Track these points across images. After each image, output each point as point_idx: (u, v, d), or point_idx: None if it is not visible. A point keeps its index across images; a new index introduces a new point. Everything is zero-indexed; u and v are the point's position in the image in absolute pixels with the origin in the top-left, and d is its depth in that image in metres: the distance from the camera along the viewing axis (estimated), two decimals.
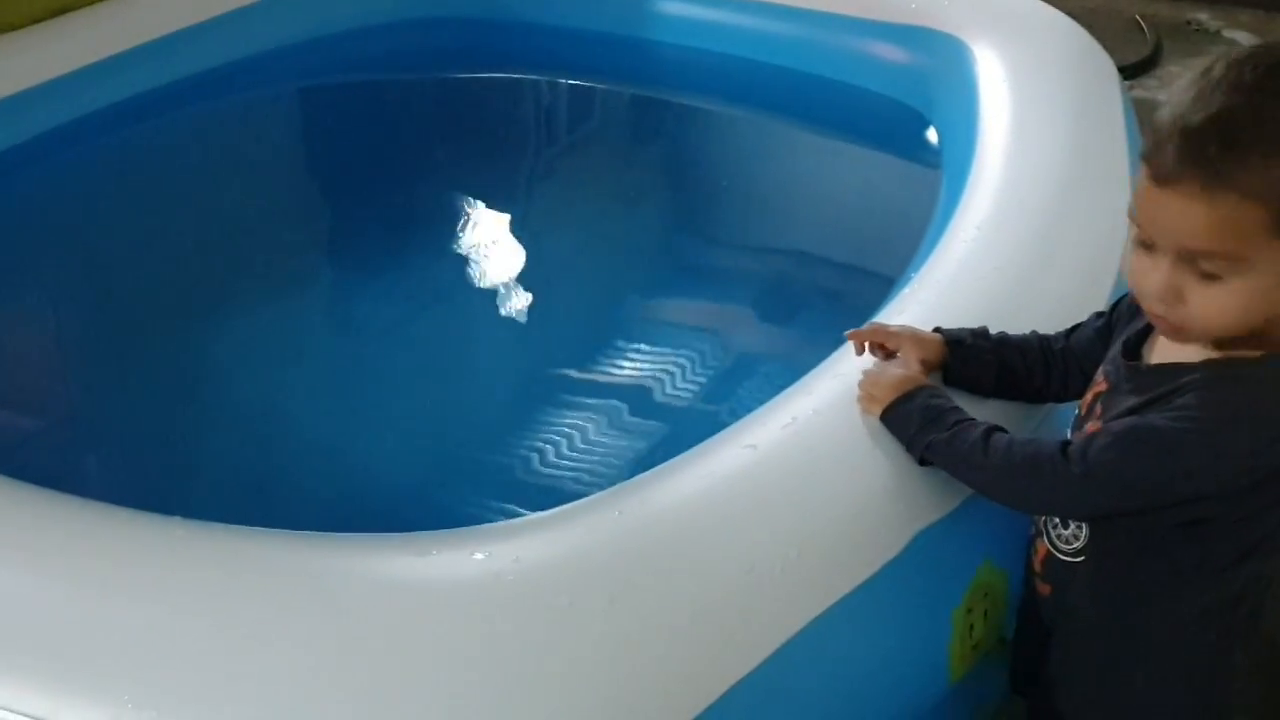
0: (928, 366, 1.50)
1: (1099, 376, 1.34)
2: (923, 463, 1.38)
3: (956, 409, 1.38)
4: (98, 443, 2.21)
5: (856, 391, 1.49)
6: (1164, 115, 1.13)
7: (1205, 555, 1.26)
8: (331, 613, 1.20)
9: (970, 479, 1.35)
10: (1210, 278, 1.12)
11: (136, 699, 1.10)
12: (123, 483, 2.04)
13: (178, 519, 1.31)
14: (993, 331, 1.55)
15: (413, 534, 1.39)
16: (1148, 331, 1.29)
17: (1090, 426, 1.29)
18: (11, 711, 1.11)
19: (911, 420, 1.38)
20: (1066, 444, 1.26)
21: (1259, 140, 1.07)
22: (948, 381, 1.50)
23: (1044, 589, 1.40)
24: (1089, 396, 1.34)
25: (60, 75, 2.90)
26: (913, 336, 1.53)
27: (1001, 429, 1.34)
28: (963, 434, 1.33)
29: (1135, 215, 1.17)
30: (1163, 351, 1.25)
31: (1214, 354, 1.19)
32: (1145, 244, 1.16)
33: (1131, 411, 1.22)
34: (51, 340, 2.58)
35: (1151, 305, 1.18)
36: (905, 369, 1.48)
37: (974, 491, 1.39)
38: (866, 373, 1.49)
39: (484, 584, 1.22)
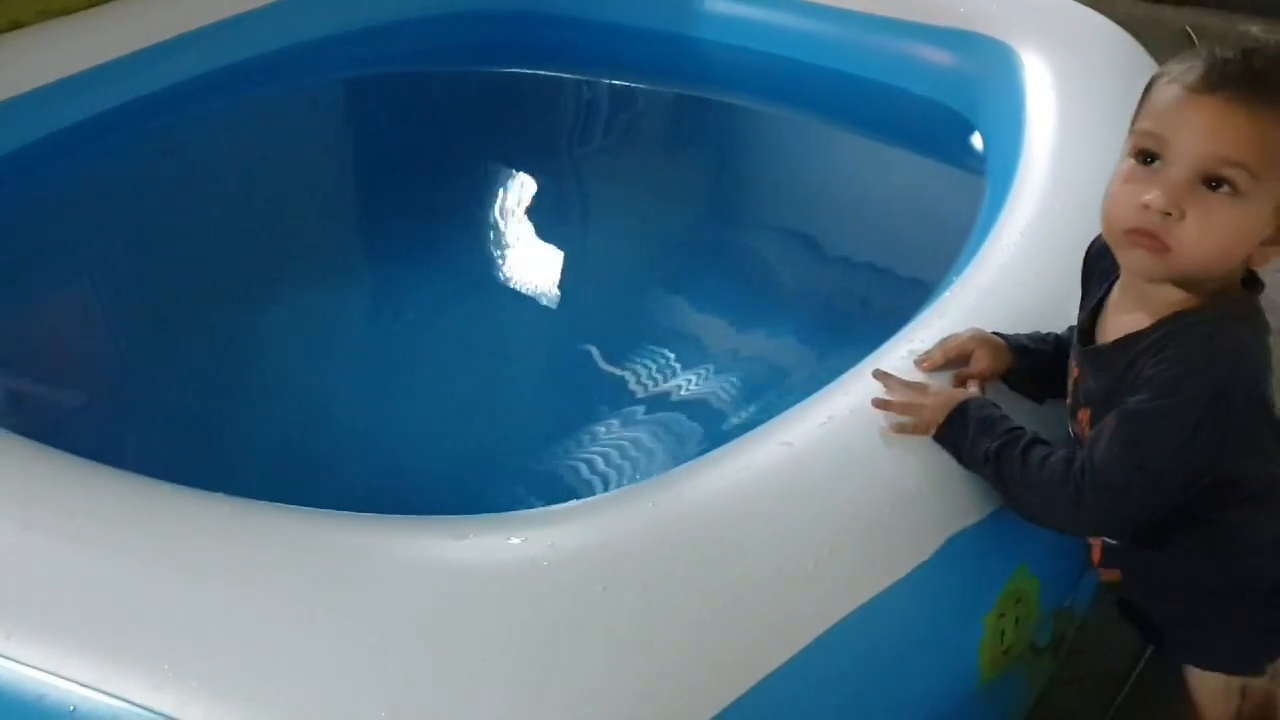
0: (995, 374, 1.50)
1: (1071, 363, 1.38)
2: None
3: (1006, 417, 1.37)
4: (141, 422, 2.24)
5: (881, 419, 1.44)
6: (1186, 60, 1.21)
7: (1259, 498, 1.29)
8: (369, 592, 1.22)
9: (1005, 497, 1.36)
10: (1222, 191, 1.16)
11: (179, 669, 1.12)
12: (165, 460, 2.06)
13: (221, 495, 1.33)
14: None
15: (449, 517, 1.41)
16: (1098, 310, 1.34)
17: (1082, 414, 1.34)
18: (61, 677, 1.13)
19: (966, 433, 1.37)
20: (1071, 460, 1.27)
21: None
22: (1011, 388, 1.51)
23: (1110, 576, 1.43)
24: (1070, 384, 1.39)
25: (112, 59, 2.94)
26: (984, 340, 1.53)
27: (1043, 441, 1.33)
28: (1010, 446, 1.32)
29: (1150, 128, 1.21)
30: (1114, 327, 1.30)
31: (1162, 314, 1.23)
32: (1149, 158, 1.21)
33: (1103, 393, 1.27)
34: (99, 324, 2.62)
35: (1144, 221, 1.20)
36: (953, 382, 1.47)
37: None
38: (904, 399, 1.44)
39: (520, 568, 1.23)
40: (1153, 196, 1.18)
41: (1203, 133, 1.16)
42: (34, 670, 1.15)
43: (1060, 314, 1.67)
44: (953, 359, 1.54)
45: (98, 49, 2.95)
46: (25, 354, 2.41)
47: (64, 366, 2.41)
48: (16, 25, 3.02)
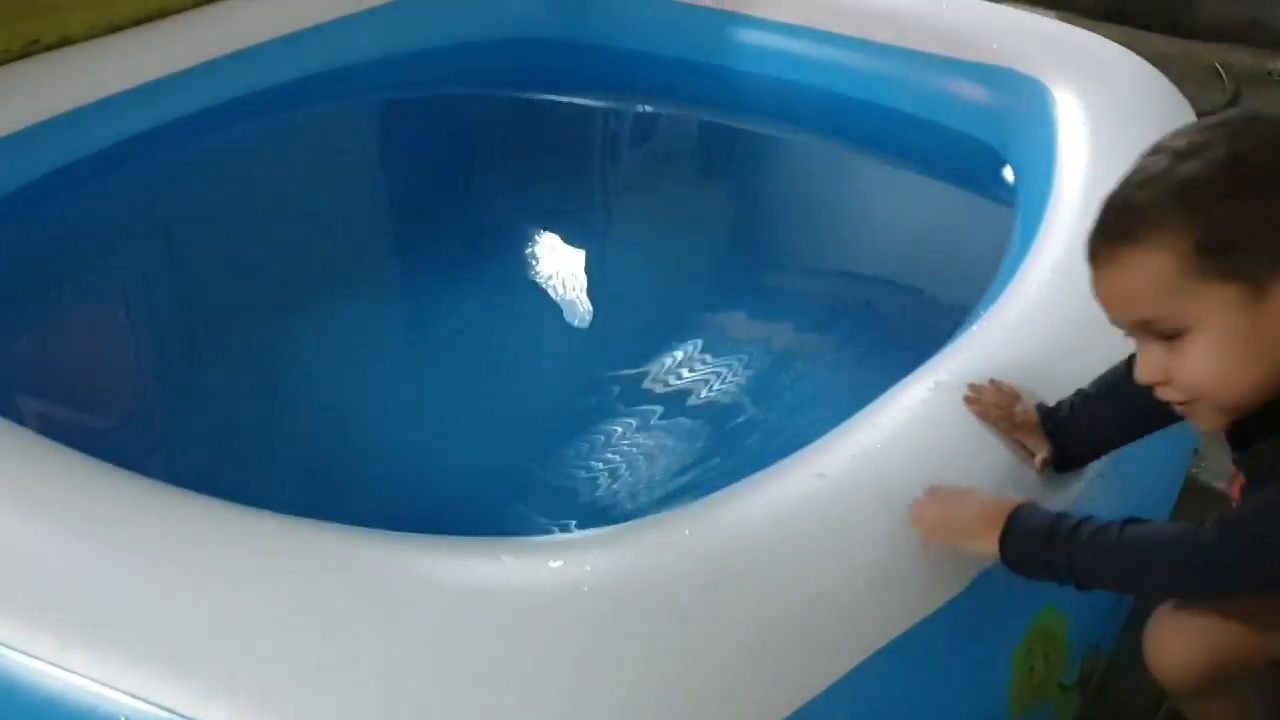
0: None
1: (1232, 468, 1.34)
2: (1080, 586, 1.27)
3: (1053, 514, 1.31)
4: (177, 434, 2.27)
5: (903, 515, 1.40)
6: None
7: None
8: (411, 613, 1.24)
9: (1131, 581, 1.30)
10: (1174, 342, 1.14)
11: (230, 683, 1.15)
12: (198, 471, 2.09)
13: (268, 512, 1.35)
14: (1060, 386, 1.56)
15: (486, 538, 1.44)
16: None
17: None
18: (113, 688, 1.16)
19: (1035, 548, 1.28)
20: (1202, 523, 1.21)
21: (1154, 199, 1.14)
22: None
23: None
24: (1235, 491, 1.37)
25: (156, 79, 2.99)
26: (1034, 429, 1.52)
27: (1135, 519, 1.26)
28: (1098, 537, 1.24)
29: None
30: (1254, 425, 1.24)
31: None
32: (1129, 335, 1.21)
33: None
34: (135, 336, 2.66)
35: (1159, 394, 1.20)
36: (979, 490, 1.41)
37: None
38: (932, 504, 1.39)
39: (558, 592, 1.26)
40: (1137, 375, 1.20)
41: (1115, 308, 1.19)
42: (86, 681, 1.18)
43: (1087, 352, 1.68)
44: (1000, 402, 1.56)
45: (142, 68, 3.00)
46: (68, 366, 2.46)
47: (106, 378, 2.45)
48: (67, 40, 3.09)
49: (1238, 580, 1.20)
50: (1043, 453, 1.49)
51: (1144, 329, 1.18)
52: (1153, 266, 1.13)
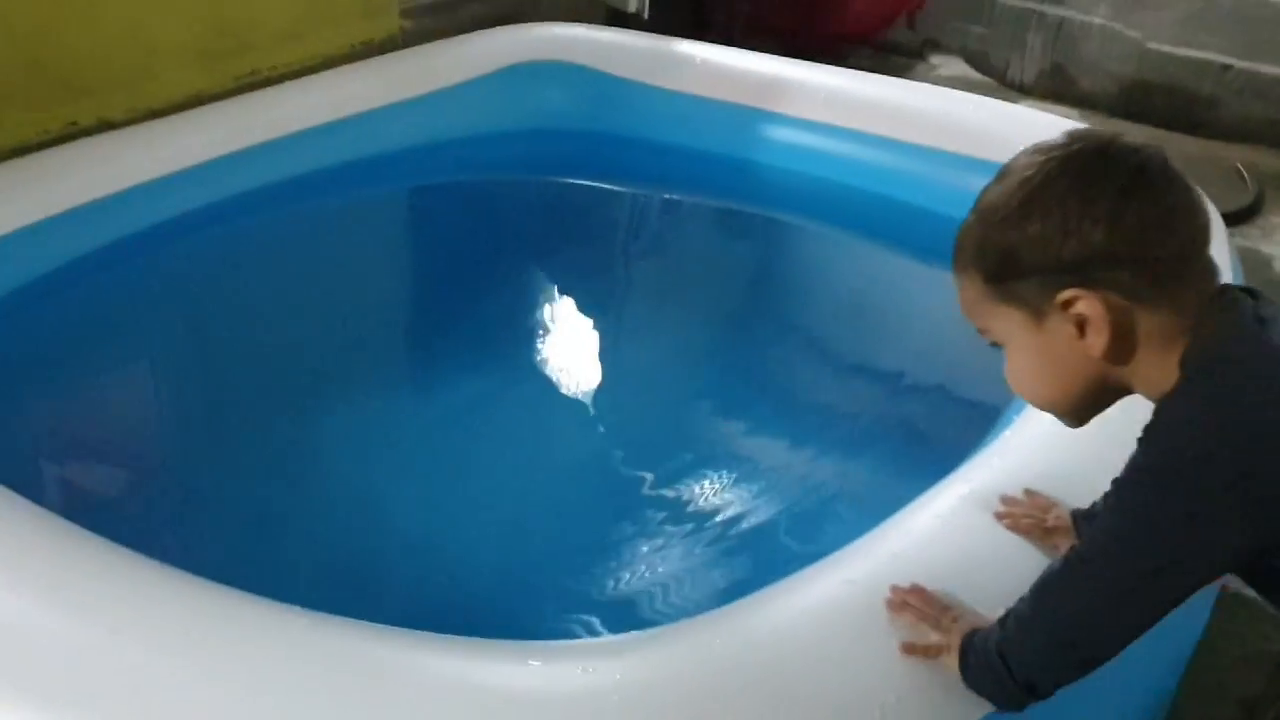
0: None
1: None
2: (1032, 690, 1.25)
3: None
4: (200, 522, 2.26)
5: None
6: None
7: None
8: (435, 713, 1.23)
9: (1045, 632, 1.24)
10: (1002, 349, 1.24)
11: None
12: (219, 560, 2.09)
13: (298, 608, 1.35)
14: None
15: (512, 641, 1.43)
16: None
17: None
18: None
19: (982, 663, 1.29)
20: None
21: (966, 227, 1.21)
22: None
23: None
24: None
25: (192, 165, 3.04)
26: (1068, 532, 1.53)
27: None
28: (1012, 614, 1.26)
29: None
30: None
31: None
32: None
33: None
34: (164, 422, 2.67)
35: None
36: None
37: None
38: (914, 606, 1.41)
39: (588, 699, 1.25)
40: None
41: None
42: None
43: (1119, 457, 1.68)
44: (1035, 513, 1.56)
45: (179, 153, 3.05)
46: (98, 455, 2.46)
47: (134, 467, 2.45)
48: (106, 124, 3.15)
49: (1120, 585, 1.17)
50: None
51: (985, 338, 1.26)
52: (966, 289, 1.23)
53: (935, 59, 5.47)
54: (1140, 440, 1.16)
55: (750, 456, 2.44)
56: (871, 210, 3.30)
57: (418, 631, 1.37)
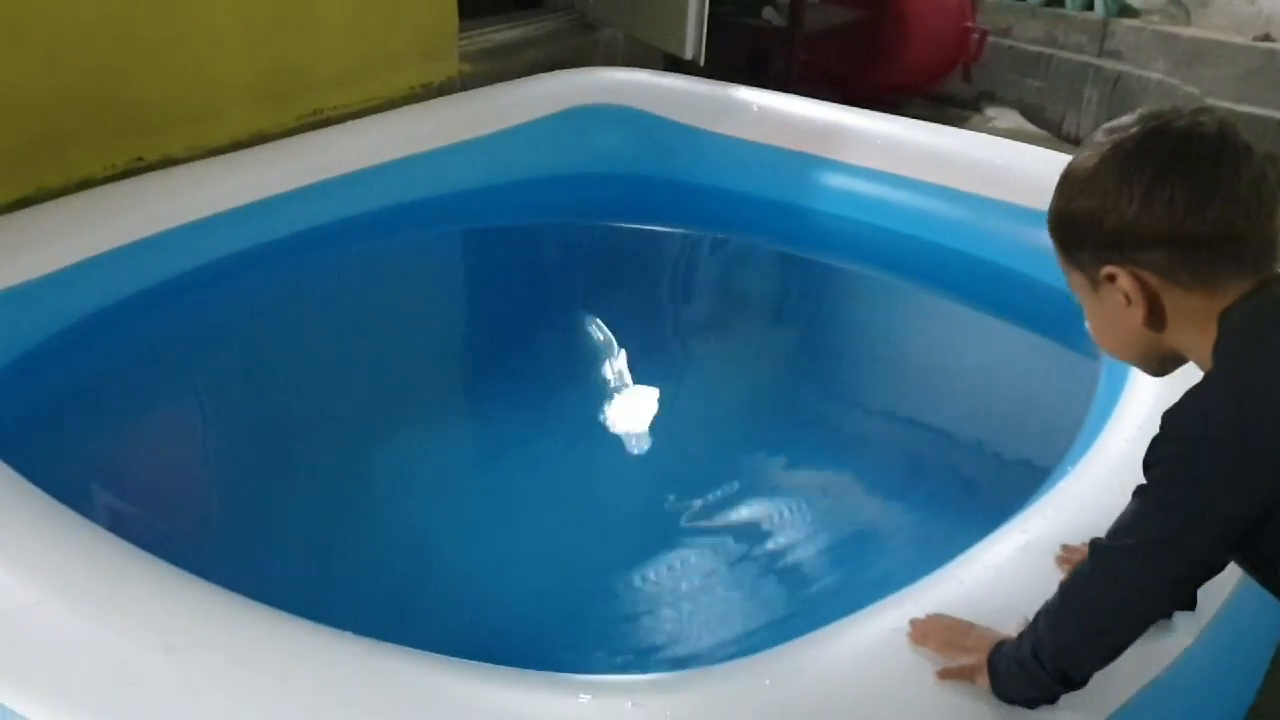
0: None
1: None
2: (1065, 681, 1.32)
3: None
4: (253, 548, 2.28)
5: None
6: None
7: None
8: None
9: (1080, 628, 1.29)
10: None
11: None
12: (270, 586, 2.10)
13: (350, 635, 1.36)
14: None
15: (564, 675, 1.43)
16: None
17: None
18: None
19: (1014, 669, 1.34)
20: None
21: (1054, 191, 1.26)
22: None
23: None
24: None
25: (251, 201, 3.08)
26: None
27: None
28: (1043, 617, 1.31)
29: None
30: None
31: None
32: None
33: None
34: (220, 450, 2.70)
35: None
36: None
37: (1128, 698, 1.40)
38: (936, 629, 1.46)
39: None
40: None
41: None
42: None
43: None
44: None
45: (238, 190, 3.09)
46: (157, 478, 2.49)
47: (190, 495, 2.48)
48: (169, 160, 3.22)
49: (1148, 576, 1.22)
50: None
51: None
52: (1070, 275, 1.29)
53: (990, 111, 5.47)
54: (1160, 423, 1.21)
55: (797, 500, 2.43)
56: (926, 258, 3.29)
57: (469, 661, 1.37)
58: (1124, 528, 1.23)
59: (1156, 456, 1.20)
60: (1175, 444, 1.18)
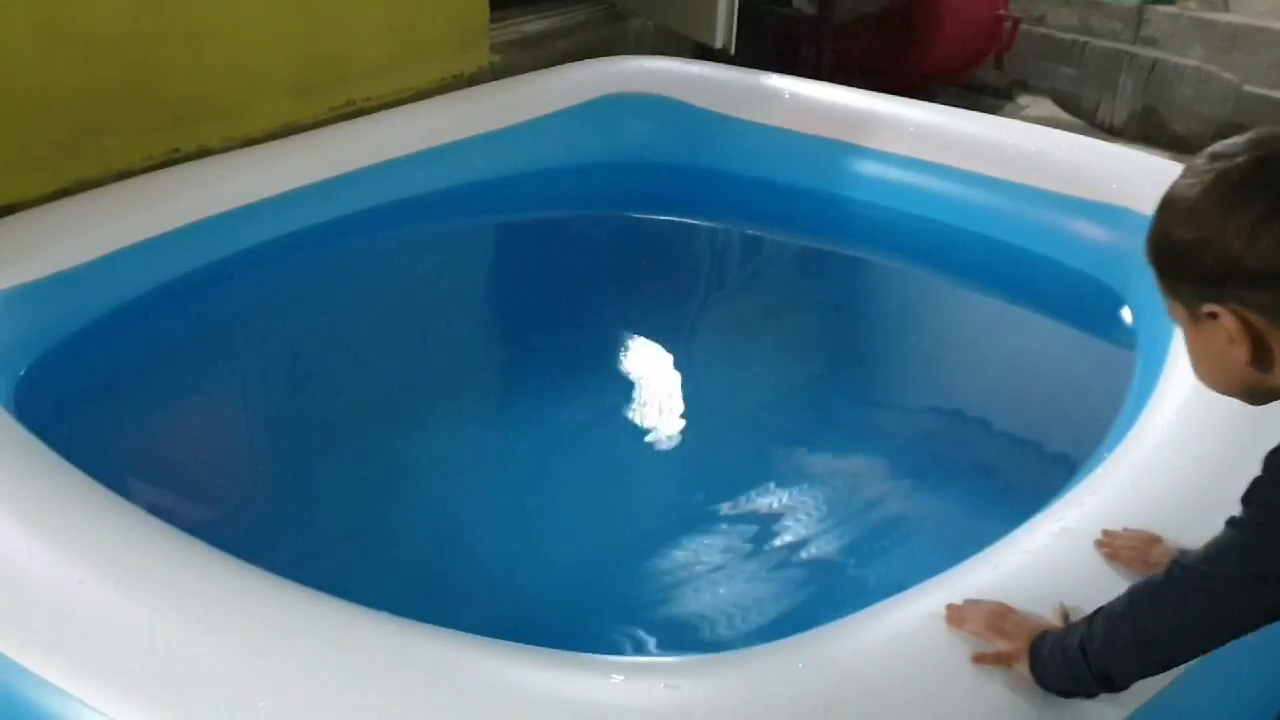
0: None
1: None
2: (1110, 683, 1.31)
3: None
4: (291, 530, 2.31)
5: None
6: None
7: None
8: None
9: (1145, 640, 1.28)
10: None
11: None
12: (305, 565, 2.12)
13: (387, 615, 1.37)
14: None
15: (598, 656, 1.44)
16: None
17: None
18: None
19: (1058, 657, 1.33)
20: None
21: (1155, 216, 1.21)
22: None
23: None
24: None
25: (285, 191, 3.10)
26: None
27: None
28: (1103, 615, 1.29)
29: None
30: None
31: None
32: None
33: None
34: (258, 435, 2.73)
35: None
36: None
37: (1164, 686, 1.38)
38: (974, 614, 1.46)
39: (672, 716, 1.25)
40: None
41: None
42: None
43: (1215, 497, 1.64)
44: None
45: (273, 180, 3.12)
46: (195, 465, 2.52)
47: (229, 478, 2.51)
48: (205, 151, 3.25)
49: (1218, 608, 1.22)
50: None
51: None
52: (1171, 303, 1.24)
53: (1023, 99, 5.43)
54: (1265, 461, 1.18)
55: (830, 487, 2.42)
56: (960, 247, 3.27)
57: (504, 641, 1.38)
58: (1208, 555, 1.21)
59: (1255, 496, 1.18)
60: (1275, 488, 1.17)
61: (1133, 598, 1.27)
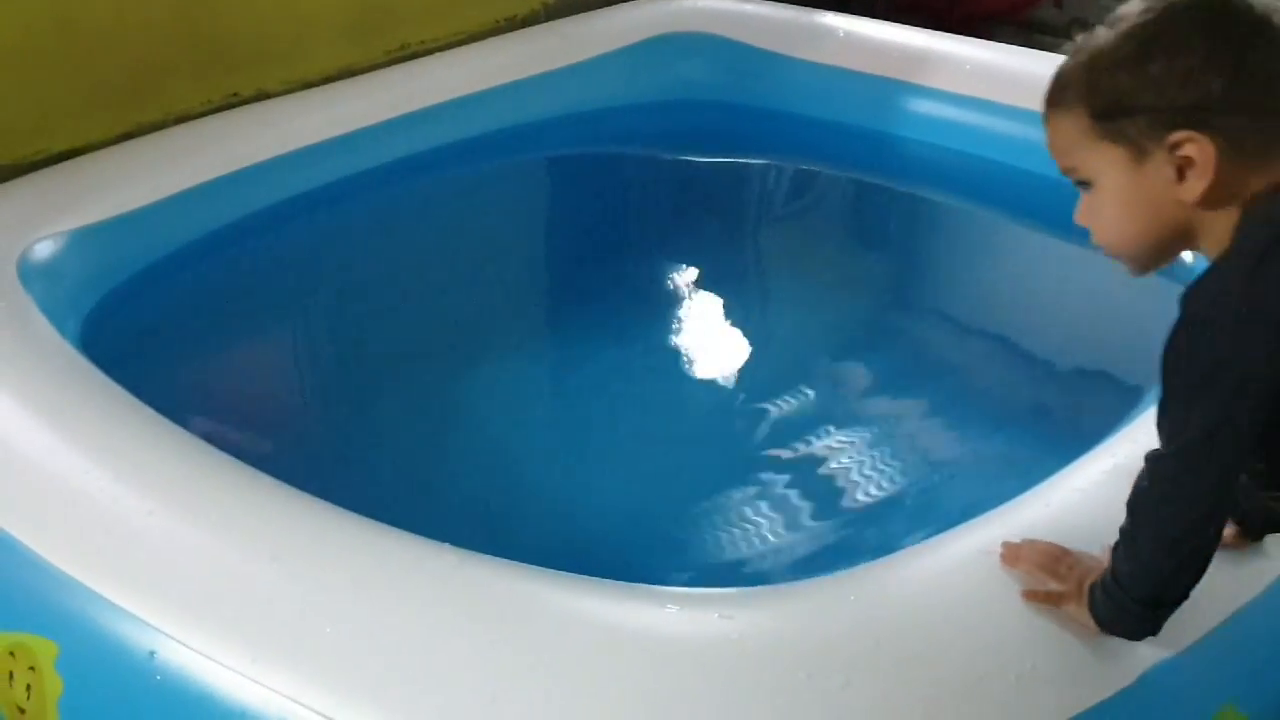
0: None
1: None
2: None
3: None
4: (345, 462, 2.36)
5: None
6: None
7: None
8: (580, 653, 1.28)
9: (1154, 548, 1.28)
10: (1085, 189, 1.25)
11: (409, 708, 1.19)
12: (363, 498, 2.18)
13: (448, 546, 1.41)
14: None
15: (650, 586, 1.47)
16: None
17: None
18: (299, 703, 1.22)
19: (1104, 598, 1.33)
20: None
21: (1071, 68, 1.24)
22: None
23: None
24: None
25: (342, 133, 3.13)
26: None
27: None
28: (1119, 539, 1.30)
29: None
30: None
31: None
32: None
33: None
34: (314, 376, 2.80)
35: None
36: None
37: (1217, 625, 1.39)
38: (1033, 554, 1.45)
39: (725, 646, 1.27)
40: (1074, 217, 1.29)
41: (1052, 158, 1.29)
42: (274, 695, 1.24)
43: None
44: None
45: (331, 122, 3.15)
46: (257, 398, 2.59)
47: (286, 409, 2.58)
48: (263, 94, 3.28)
49: (1189, 458, 1.22)
50: (1231, 528, 1.46)
51: (1070, 177, 1.27)
52: (1064, 126, 1.24)
53: (1082, 38, 5.33)
54: (1181, 306, 1.21)
55: (882, 425, 2.44)
56: (1014, 186, 3.24)
57: (560, 572, 1.41)
58: (1168, 429, 1.23)
59: (1181, 343, 1.21)
60: (1197, 327, 1.19)
61: (1132, 510, 1.27)
